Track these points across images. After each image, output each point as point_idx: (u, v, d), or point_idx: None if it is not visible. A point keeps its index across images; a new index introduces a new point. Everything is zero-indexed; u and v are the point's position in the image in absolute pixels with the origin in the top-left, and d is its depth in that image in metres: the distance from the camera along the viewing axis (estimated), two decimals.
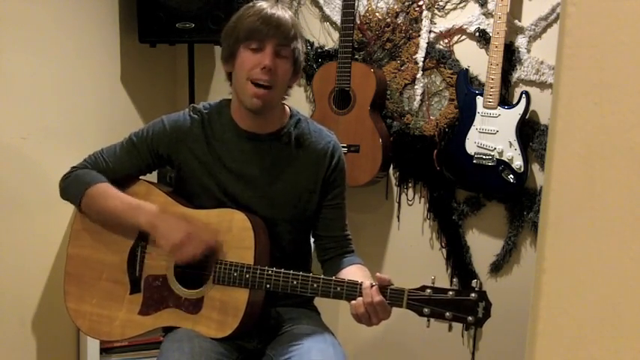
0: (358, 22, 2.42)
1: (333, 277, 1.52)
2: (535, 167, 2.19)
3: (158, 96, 2.74)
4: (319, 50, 2.53)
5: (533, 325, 0.77)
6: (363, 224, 2.52)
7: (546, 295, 0.76)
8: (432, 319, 1.42)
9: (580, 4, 0.72)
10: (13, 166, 2.11)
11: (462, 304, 1.39)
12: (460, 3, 2.28)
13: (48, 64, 2.20)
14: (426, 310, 1.40)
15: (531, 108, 2.14)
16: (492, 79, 2.11)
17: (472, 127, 2.18)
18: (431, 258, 2.44)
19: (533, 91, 2.16)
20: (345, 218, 1.75)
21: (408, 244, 2.48)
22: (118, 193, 1.62)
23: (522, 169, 2.11)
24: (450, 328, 1.42)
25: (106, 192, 1.63)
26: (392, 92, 2.41)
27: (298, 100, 2.53)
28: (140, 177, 1.73)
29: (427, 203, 2.43)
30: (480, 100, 2.16)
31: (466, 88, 2.21)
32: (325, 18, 2.54)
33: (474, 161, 2.18)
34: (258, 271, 1.54)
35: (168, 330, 1.62)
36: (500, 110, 2.13)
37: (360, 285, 1.47)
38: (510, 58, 2.17)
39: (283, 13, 1.57)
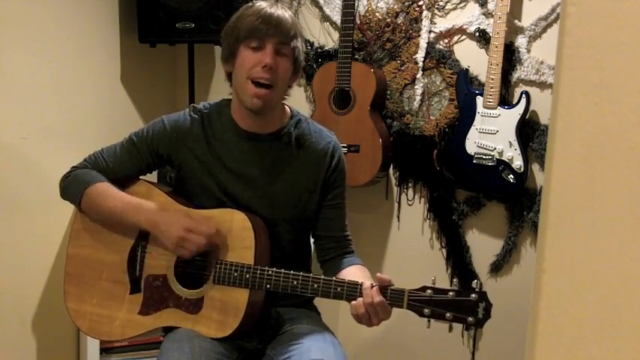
0: (358, 22, 2.42)
1: (334, 278, 1.52)
2: (535, 167, 2.19)
3: (158, 96, 2.74)
4: (319, 50, 2.53)
5: (533, 325, 0.77)
6: (363, 224, 2.52)
7: (546, 295, 0.76)
8: (432, 320, 1.42)
9: (580, 4, 0.72)
10: (13, 166, 2.11)
11: (462, 305, 1.39)
12: (460, 3, 2.28)
13: (48, 64, 2.20)
14: (426, 310, 1.40)
15: (531, 108, 2.14)
16: (492, 79, 2.11)
17: (472, 127, 2.18)
18: (431, 258, 2.44)
19: (533, 91, 2.16)
20: (345, 219, 1.75)
21: (408, 244, 2.48)
22: (118, 193, 1.62)
23: (522, 169, 2.11)
24: (451, 328, 1.42)
25: (105, 191, 1.63)
26: (392, 92, 2.41)
27: (298, 100, 2.53)
28: (140, 177, 1.73)
29: (427, 203, 2.43)
30: (480, 100, 2.16)
31: (466, 88, 2.21)
32: (325, 18, 2.54)
33: (474, 161, 2.18)
34: (259, 272, 1.54)
35: (168, 330, 1.62)
36: (500, 110, 2.13)
37: (361, 285, 1.47)
38: (510, 58, 2.18)
39: (283, 12, 1.57)
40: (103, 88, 2.46)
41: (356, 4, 2.35)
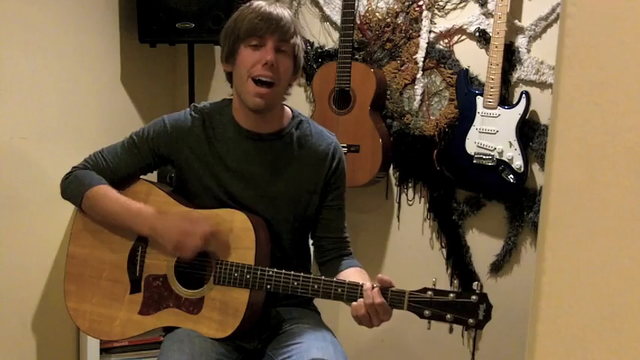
0: (358, 22, 2.41)
1: (334, 279, 1.52)
2: (535, 167, 2.19)
3: (158, 96, 2.74)
4: (319, 50, 2.53)
5: (533, 326, 0.77)
6: (363, 224, 2.52)
7: (546, 295, 0.76)
8: (432, 321, 1.42)
9: (580, 4, 0.72)
10: (13, 166, 2.11)
11: (462, 307, 1.39)
12: (460, 3, 2.28)
13: (48, 64, 2.20)
14: (426, 312, 1.40)
15: (531, 108, 2.14)
16: (492, 79, 2.11)
17: (472, 127, 2.18)
18: (431, 258, 2.44)
19: (533, 91, 2.16)
20: (344, 220, 1.75)
21: (408, 244, 2.48)
22: (117, 197, 1.62)
23: (522, 169, 2.11)
24: (451, 329, 1.42)
25: (105, 195, 1.63)
26: (392, 92, 2.41)
27: (298, 100, 2.53)
28: (140, 176, 1.73)
29: (427, 203, 2.43)
30: (479, 100, 2.16)
31: (466, 88, 2.21)
32: (325, 18, 2.54)
33: (474, 161, 2.18)
34: (259, 272, 1.54)
35: (168, 330, 1.62)
36: (500, 110, 2.13)
37: (361, 286, 1.47)
38: (510, 58, 2.17)
39: (282, 10, 1.58)
40: (103, 88, 2.46)
41: (356, 4, 2.35)
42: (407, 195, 2.46)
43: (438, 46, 2.32)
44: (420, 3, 2.33)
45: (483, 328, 1.40)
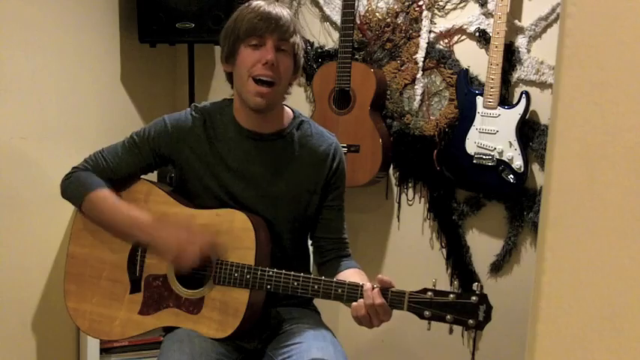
0: (358, 22, 2.41)
1: (334, 279, 1.52)
2: (535, 167, 2.19)
3: (158, 96, 2.74)
4: (319, 50, 2.53)
5: (533, 326, 0.77)
6: (363, 224, 2.52)
7: (546, 295, 0.76)
8: (432, 322, 1.42)
9: (580, 4, 0.72)
10: (13, 166, 2.11)
11: (462, 307, 1.39)
12: (460, 3, 2.28)
13: (48, 64, 2.20)
14: (426, 312, 1.40)
15: (531, 108, 2.14)
16: (492, 79, 2.11)
17: (472, 127, 2.18)
18: (431, 258, 2.44)
19: (533, 91, 2.16)
20: (344, 221, 1.75)
21: (408, 244, 2.48)
22: (115, 203, 1.62)
23: (522, 169, 2.11)
24: (451, 330, 1.42)
25: (104, 200, 1.62)
26: (392, 92, 2.41)
27: (298, 100, 2.53)
28: (141, 176, 1.73)
29: (427, 203, 2.43)
30: (479, 100, 2.16)
31: (466, 88, 2.21)
32: (325, 18, 2.54)
33: (474, 161, 2.18)
34: (259, 272, 1.54)
35: (168, 330, 1.62)
36: (500, 110, 2.13)
37: (362, 287, 1.46)
38: (510, 58, 2.17)
39: (281, 9, 1.58)
40: (103, 88, 2.46)
41: (356, 4, 2.35)
42: (407, 195, 2.46)
43: (438, 46, 2.32)
44: (420, 3, 2.33)
45: (483, 329, 1.40)
